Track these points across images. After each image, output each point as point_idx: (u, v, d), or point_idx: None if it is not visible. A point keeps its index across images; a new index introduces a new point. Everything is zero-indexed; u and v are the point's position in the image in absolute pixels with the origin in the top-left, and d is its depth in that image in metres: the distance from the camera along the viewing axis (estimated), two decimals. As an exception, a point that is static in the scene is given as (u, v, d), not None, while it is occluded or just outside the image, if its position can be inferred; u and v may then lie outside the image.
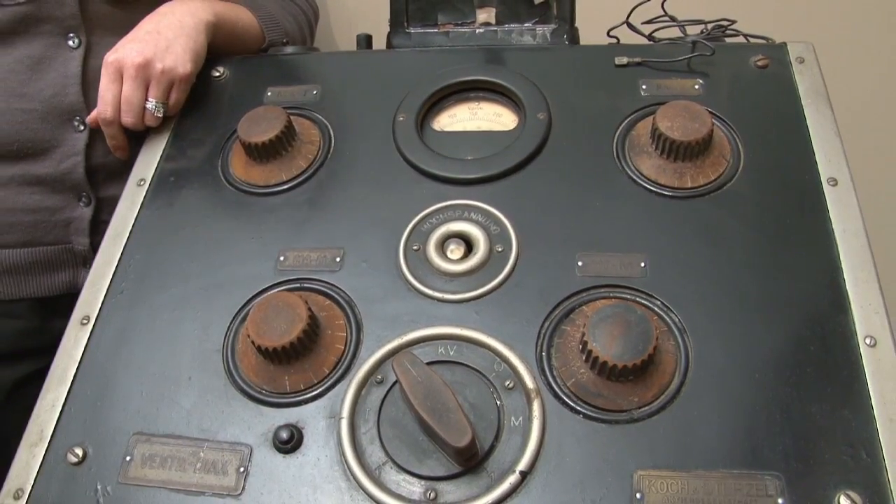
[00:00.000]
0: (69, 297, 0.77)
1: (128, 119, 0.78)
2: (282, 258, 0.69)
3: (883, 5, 1.15)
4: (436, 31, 0.84)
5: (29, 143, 0.84)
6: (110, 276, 0.71)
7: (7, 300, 0.87)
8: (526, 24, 0.83)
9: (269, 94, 0.81)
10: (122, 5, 0.85)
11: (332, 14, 1.26)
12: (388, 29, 0.87)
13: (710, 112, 0.71)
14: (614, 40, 0.86)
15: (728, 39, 0.85)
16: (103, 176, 0.87)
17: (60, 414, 0.64)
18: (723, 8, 1.02)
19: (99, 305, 0.69)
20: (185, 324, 0.67)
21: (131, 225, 0.75)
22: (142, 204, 0.76)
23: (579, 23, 0.85)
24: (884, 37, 1.17)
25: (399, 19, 0.84)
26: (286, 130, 0.73)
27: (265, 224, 0.72)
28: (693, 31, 0.84)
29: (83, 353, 0.67)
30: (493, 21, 0.83)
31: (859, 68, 1.18)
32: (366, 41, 0.89)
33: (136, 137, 0.81)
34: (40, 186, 0.86)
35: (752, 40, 0.84)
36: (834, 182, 0.69)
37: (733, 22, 0.85)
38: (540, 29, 0.82)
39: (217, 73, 0.85)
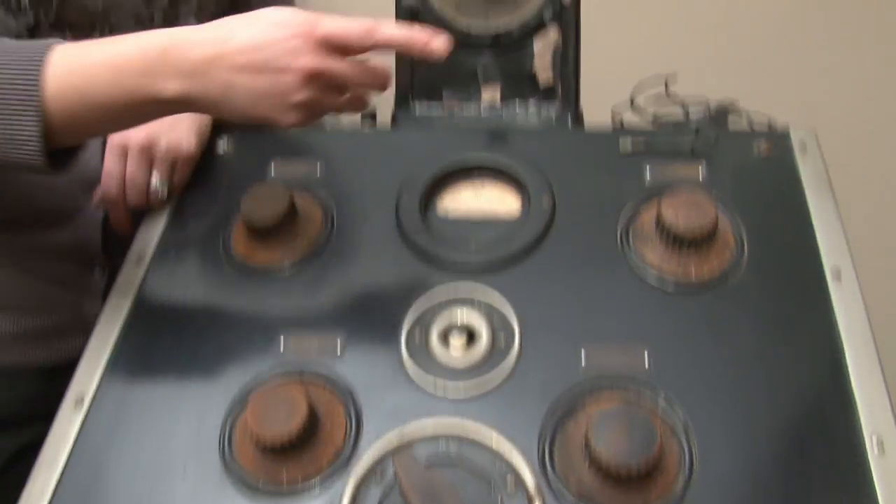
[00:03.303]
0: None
1: (132, 198, 0.78)
2: (282, 343, 0.68)
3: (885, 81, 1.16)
4: (440, 110, 0.84)
5: (49, 212, 0.83)
6: (107, 356, 0.70)
7: (15, 368, 0.86)
8: (531, 104, 0.83)
9: (272, 168, 0.81)
10: None
11: None
12: (390, 99, 0.87)
13: (715, 200, 0.71)
14: (618, 115, 0.86)
15: (731, 115, 0.86)
16: (119, 244, 0.87)
17: (50, 502, 0.62)
18: (725, 79, 1.04)
19: (95, 386, 0.68)
20: (181, 409, 0.66)
21: (130, 302, 0.74)
22: (141, 280, 0.75)
23: (582, 94, 0.86)
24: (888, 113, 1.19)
25: (404, 95, 0.84)
26: (289, 211, 0.73)
27: (266, 307, 0.71)
28: (696, 105, 0.85)
29: (76, 438, 0.66)
30: (497, 98, 0.83)
31: (862, 144, 1.19)
32: (370, 115, 0.89)
33: (138, 212, 0.81)
34: (56, 255, 0.85)
35: (753, 117, 0.85)
36: (837, 273, 0.68)
37: (735, 101, 0.86)
38: (545, 110, 0.83)
39: (220, 146, 0.84)
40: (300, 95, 0.63)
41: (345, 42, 0.63)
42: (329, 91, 0.65)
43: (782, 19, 1.20)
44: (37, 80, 0.62)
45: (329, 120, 0.86)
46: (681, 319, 0.66)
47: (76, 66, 0.63)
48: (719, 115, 0.86)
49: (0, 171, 0.67)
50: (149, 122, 0.69)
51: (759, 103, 0.86)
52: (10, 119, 0.62)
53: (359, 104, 0.71)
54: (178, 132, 0.79)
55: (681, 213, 0.68)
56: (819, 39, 1.20)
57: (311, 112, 0.65)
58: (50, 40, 0.65)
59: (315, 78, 0.63)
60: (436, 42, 0.65)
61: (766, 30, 1.21)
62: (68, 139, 0.66)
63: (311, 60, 0.62)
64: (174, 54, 0.62)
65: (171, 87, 0.62)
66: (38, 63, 0.63)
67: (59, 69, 0.63)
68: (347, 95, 0.69)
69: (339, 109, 0.70)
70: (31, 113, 0.62)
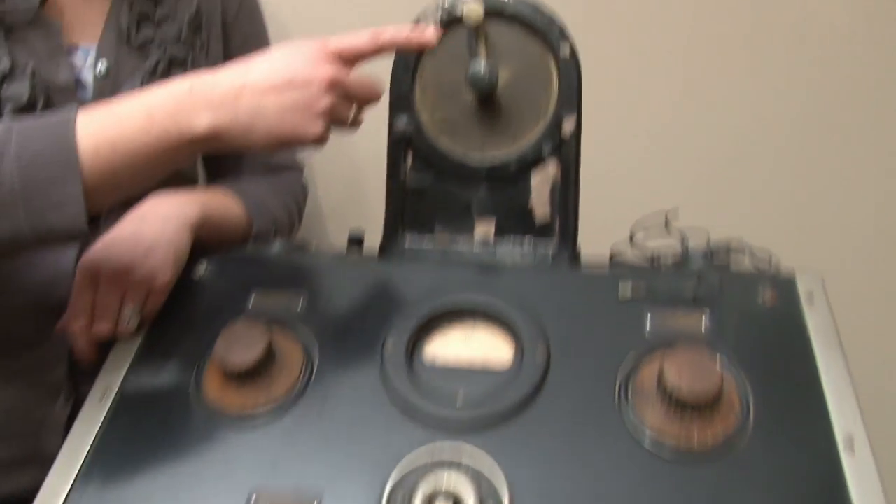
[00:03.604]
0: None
1: (99, 330, 0.73)
2: (253, 501, 0.63)
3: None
4: (432, 243, 0.80)
5: (13, 338, 0.79)
6: (60, 505, 0.65)
7: None
8: (526, 241, 0.79)
9: (252, 299, 0.77)
10: (116, 214, 0.81)
11: (323, 203, 1.25)
12: (378, 226, 0.83)
13: (719, 356, 0.67)
14: (617, 255, 0.83)
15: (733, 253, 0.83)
16: (87, 372, 0.82)
17: None
18: (726, 213, 1.02)
19: (43, 545, 0.63)
20: (138, 577, 0.60)
21: (89, 443, 0.69)
22: (103, 420, 0.70)
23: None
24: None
25: (394, 225, 0.81)
26: (266, 354, 0.68)
27: (237, 458, 0.66)
28: (697, 239, 0.82)
29: None
30: (492, 233, 0.79)
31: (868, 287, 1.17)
32: (357, 240, 0.85)
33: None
34: (18, 382, 0.80)
35: (755, 252, 0.82)
36: (850, 442, 0.64)
37: (736, 238, 0.84)
38: (541, 248, 0.79)
39: (198, 271, 0.80)
40: (325, 102, 0.67)
41: (357, 50, 0.70)
42: (344, 101, 0.70)
43: (783, 156, 1.19)
44: (73, 140, 0.63)
45: (316, 242, 0.83)
46: (683, 491, 0.61)
47: (106, 120, 0.65)
48: (720, 253, 0.83)
49: (39, 243, 0.65)
50: (181, 166, 0.70)
51: (760, 237, 0.83)
52: (49, 185, 0.63)
53: (358, 121, 0.74)
54: (154, 260, 0.74)
55: (684, 375, 0.64)
56: (822, 178, 1.19)
57: (331, 122, 0.69)
58: (69, 106, 0.67)
59: (335, 86, 0.67)
60: (427, 32, 0.74)
61: (767, 166, 1.20)
62: (102, 199, 0.66)
63: (331, 70, 0.67)
64: (201, 91, 0.66)
65: (201, 121, 0.65)
66: (69, 124, 0.64)
67: (90, 126, 0.64)
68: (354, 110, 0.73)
69: (347, 123, 0.72)
70: (71, 174, 0.63)
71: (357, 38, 0.70)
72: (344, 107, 0.70)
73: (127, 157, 0.65)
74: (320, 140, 0.68)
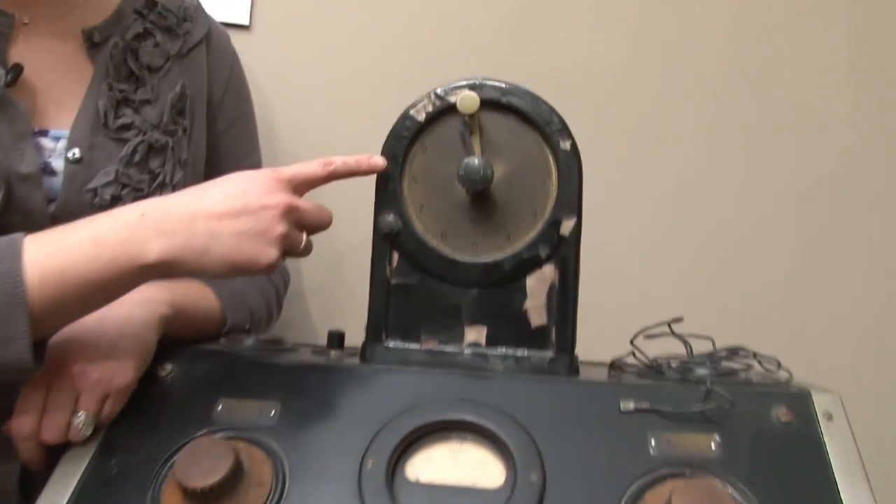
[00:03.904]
0: None
1: (47, 435, 0.66)
2: None
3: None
4: (418, 347, 0.74)
5: None
6: None
7: None
8: (520, 349, 0.73)
9: (219, 407, 0.70)
10: None
11: (306, 287, 1.20)
12: (360, 324, 0.78)
13: (732, 484, 0.61)
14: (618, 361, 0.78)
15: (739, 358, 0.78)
16: (39, 480, 0.74)
17: None
18: (730, 320, 0.97)
19: None
20: None
21: (29, 572, 0.62)
22: (47, 543, 0.63)
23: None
24: None
25: (377, 331, 0.75)
26: (232, 474, 0.61)
27: None
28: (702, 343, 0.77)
29: None
30: (482, 342, 0.74)
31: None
32: (338, 340, 0.79)
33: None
34: None
35: (764, 362, 0.77)
36: (880, 584, 0.58)
37: (743, 348, 0.79)
38: (536, 356, 0.73)
39: (163, 371, 0.74)
40: (279, 229, 0.66)
41: (309, 177, 0.71)
42: (297, 227, 0.69)
43: (786, 261, 1.16)
44: (19, 273, 0.60)
45: (293, 338, 0.77)
46: None
47: (53, 248, 0.62)
48: (726, 360, 0.78)
49: None
50: (130, 291, 0.67)
51: (764, 344, 0.79)
52: None
53: (308, 247, 0.73)
54: (114, 361, 0.68)
55: (695, 508, 0.57)
56: (826, 284, 1.16)
57: (284, 248, 0.68)
58: (15, 234, 0.63)
59: (289, 212, 0.67)
60: (376, 160, 0.73)
61: (770, 272, 1.17)
62: (49, 328, 0.64)
63: (285, 197, 0.67)
64: (153, 217, 0.64)
65: (153, 248, 0.63)
66: (16, 254, 0.61)
67: (37, 255, 0.62)
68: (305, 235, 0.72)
69: (299, 249, 0.71)
70: (18, 309, 0.60)
71: (309, 167, 0.71)
72: (296, 233, 0.70)
73: (75, 286, 0.62)
74: (273, 266, 0.67)
